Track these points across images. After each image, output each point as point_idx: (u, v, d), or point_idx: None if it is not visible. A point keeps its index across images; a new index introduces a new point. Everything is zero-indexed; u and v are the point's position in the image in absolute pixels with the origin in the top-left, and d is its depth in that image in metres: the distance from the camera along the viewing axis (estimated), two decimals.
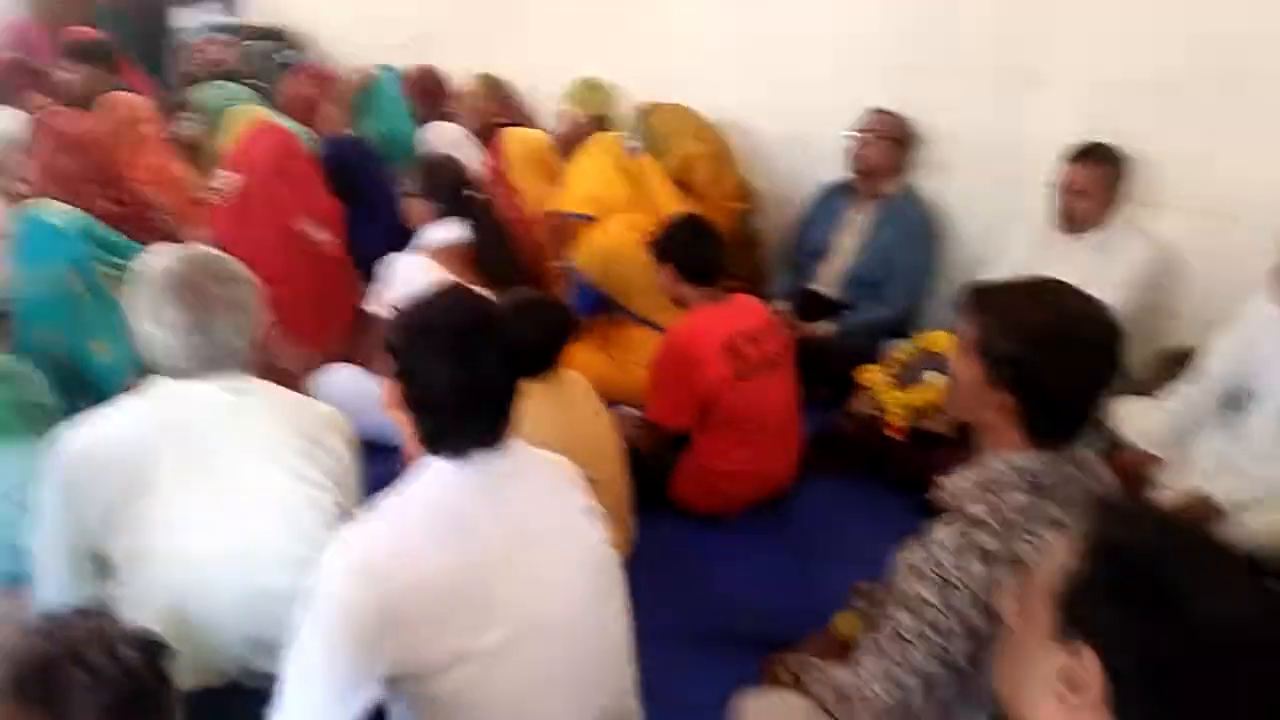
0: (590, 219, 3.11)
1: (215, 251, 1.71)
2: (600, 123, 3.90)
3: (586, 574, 1.49)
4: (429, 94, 4.55)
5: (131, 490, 1.56)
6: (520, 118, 4.35)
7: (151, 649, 1.19)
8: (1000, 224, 3.23)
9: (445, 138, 3.90)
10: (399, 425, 1.46)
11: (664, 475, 2.63)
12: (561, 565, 1.46)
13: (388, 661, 1.32)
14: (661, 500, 2.62)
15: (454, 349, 1.38)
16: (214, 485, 1.61)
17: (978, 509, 1.42)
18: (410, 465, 1.47)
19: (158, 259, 1.64)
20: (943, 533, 1.43)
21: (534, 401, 2.07)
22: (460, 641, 1.34)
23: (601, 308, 3.13)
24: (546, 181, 3.50)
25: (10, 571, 1.86)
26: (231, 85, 4.18)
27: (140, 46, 6.22)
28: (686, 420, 2.56)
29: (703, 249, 2.63)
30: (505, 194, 3.45)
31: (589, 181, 3.12)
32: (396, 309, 1.46)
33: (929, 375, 2.75)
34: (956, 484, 1.50)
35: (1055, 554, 0.97)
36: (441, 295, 1.47)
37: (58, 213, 2.46)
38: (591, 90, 3.98)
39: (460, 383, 1.38)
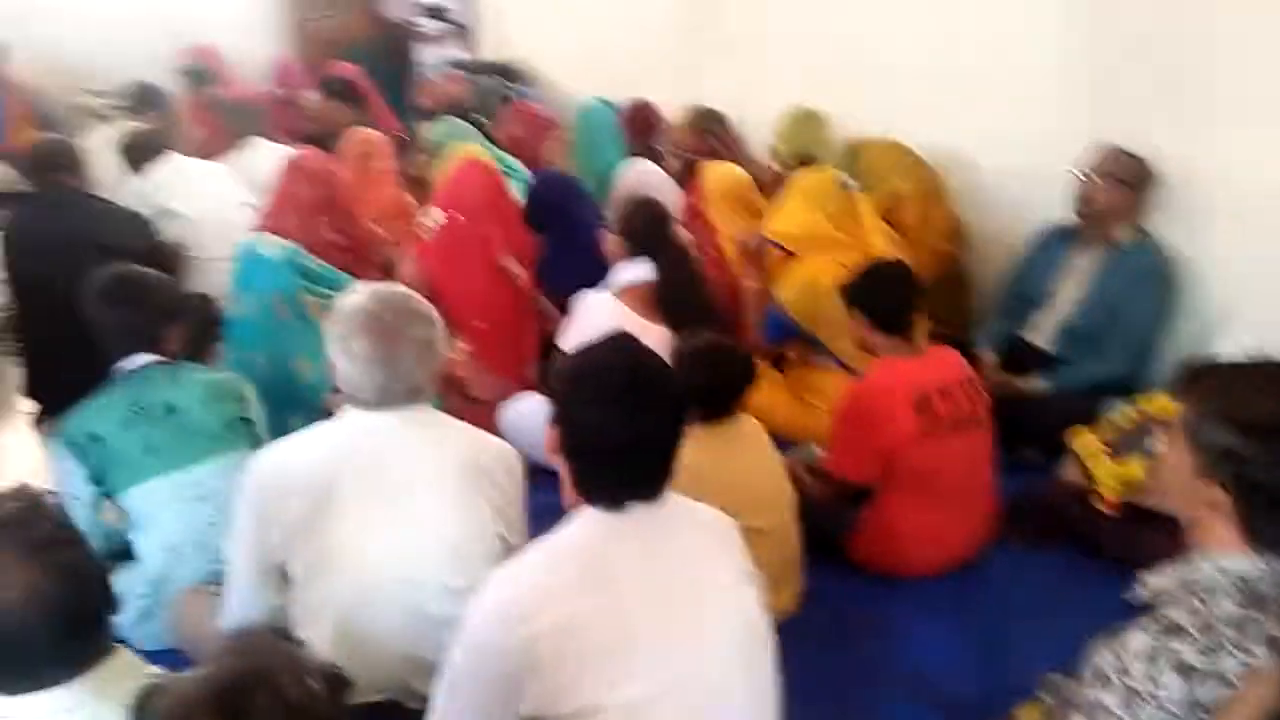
0: (791, 253, 3.06)
1: (406, 291, 1.81)
2: (808, 158, 3.84)
3: (735, 638, 1.44)
4: (641, 128, 4.66)
5: (314, 511, 1.66)
6: (729, 151, 4.36)
7: (335, 682, 1.28)
8: (1253, 285, 2.84)
9: (640, 176, 3.95)
10: (559, 471, 1.48)
11: (841, 530, 2.52)
12: (709, 626, 1.42)
13: (529, 702, 1.33)
14: (837, 556, 2.51)
15: (614, 400, 1.39)
16: (388, 512, 1.69)
17: (1179, 614, 1.26)
18: (571, 508, 1.49)
19: (354, 295, 1.76)
20: (1136, 637, 1.28)
21: (703, 447, 2.06)
22: (597, 692, 1.33)
23: (791, 338, 3.06)
24: (744, 219, 3.47)
25: (213, 571, 2.05)
26: (457, 120, 4.40)
27: (388, 81, 6.78)
28: (868, 475, 2.44)
29: (895, 297, 2.52)
30: (702, 230, 3.46)
31: (798, 215, 3.07)
32: (564, 354, 1.50)
33: (1151, 444, 2.48)
34: (1158, 582, 1.35)
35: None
36: (608, 344, 1.49)
37: (270, 245, 2.70)
38: (800, 124, 3.93)
39: (618, 435, 1.38)
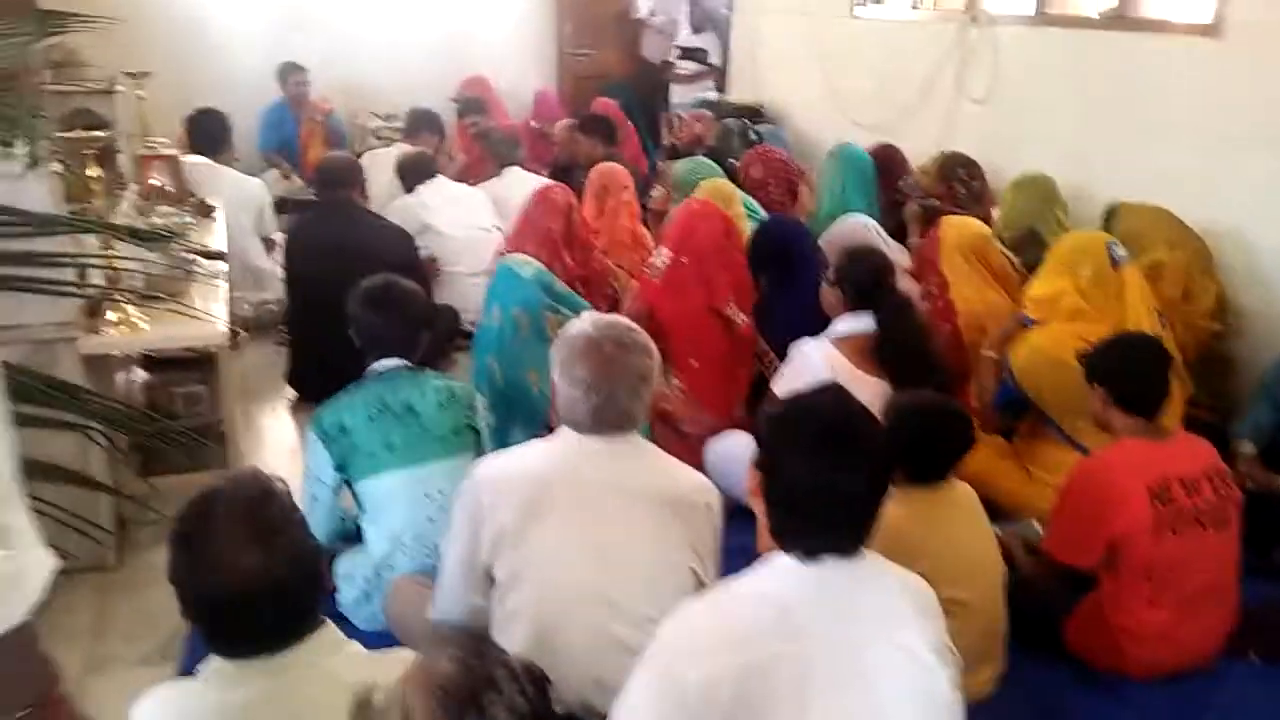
0: (1034, 321, 2.91)
1: (627, 323, 1.90)
2: (1030, 232, 3.65)
3: (919, 713, 1.38)
4: (886, 173, 4.59)
5: (523, 521, 1.76)
6: (976, 201, 4.21)
7: (543, 686, 1.37)
8: None
9: (852, 226, 3.88)
10: (757, 513, 1.48)
11: (1055, 614, 2.35)
12: (891, 697, 1.36)
13: None
14: (1047, 641, 2.34)
15: (817, 451, 1.38)
16: (590, 533, 1.76)
17: None
18: (762, 550, 1.48)
19: (579, 323, 1.87)
20: None
21: (909, 509, 2.00)
22: None
23: (1022, 409, 2.90)
24: (978, 274, 3.34)
25: (428, 565, 2.20)
26: (703, 160, 4.46)
27: (642, 118, 7.08)
28: (1088, 560, 2.26)
29: (1143, 375, 2.32)
30: (934, 282, 3.36)
31: (1047, 279, 2.91)
32: (775, 398, 1.51)
33: None
34: None
35: None
36: (817, 394, 1.48)
37: (524, 263, 2.88)
38: (1023, 192, 3.75)
39: (817, 485, 1.37)
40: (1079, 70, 4.02)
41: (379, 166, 4.91)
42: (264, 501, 1.31)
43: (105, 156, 2.92)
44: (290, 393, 3.94)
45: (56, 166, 2.45)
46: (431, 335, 3.72)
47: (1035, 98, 4.25)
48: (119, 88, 3.77)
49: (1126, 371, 2.33)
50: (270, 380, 4.07)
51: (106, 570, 2.72)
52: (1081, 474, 2.33)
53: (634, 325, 1.89)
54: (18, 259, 2.31)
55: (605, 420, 1.79)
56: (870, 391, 2.64)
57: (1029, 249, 3.51)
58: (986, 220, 3.74)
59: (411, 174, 4.38)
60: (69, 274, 2.52)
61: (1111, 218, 3.49)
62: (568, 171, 5.13)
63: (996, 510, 2.77)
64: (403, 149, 5.03)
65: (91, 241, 2.71)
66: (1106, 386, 2.35)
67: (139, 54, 4.58)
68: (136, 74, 3.96)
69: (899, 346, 2.70)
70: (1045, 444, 2.96)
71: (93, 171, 2.62)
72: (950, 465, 2.16)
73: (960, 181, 4.30)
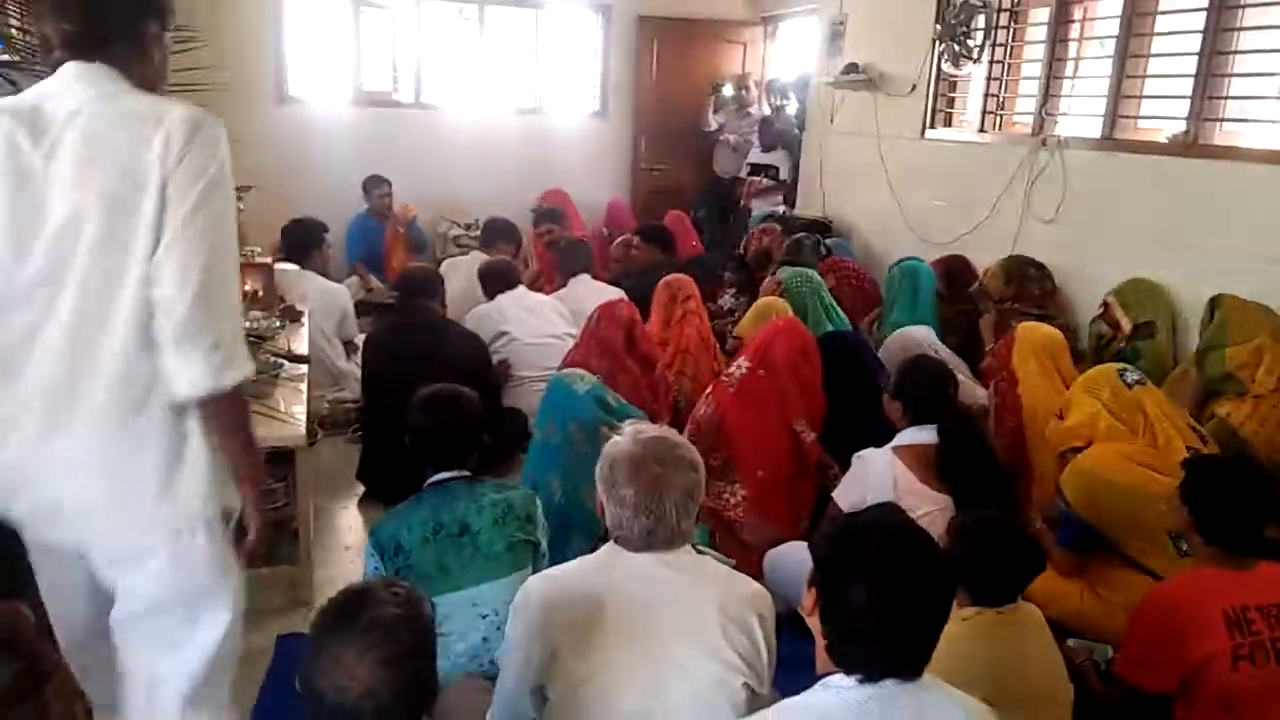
0: (1080, 449, 2.88)
1: (672, 437, 1.88)
2: (1148, 328, 3.64)
3: None
4: (955, 283, 4.63)
5: (575, 641, 1.75)
6: (1045, 301, 4.21)
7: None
8: None
9: (906, 338, 3.90)
10: (814, 631, 1.48)
11: None
12: None
13: None
14: None
15: (875, 572, 1.38)
16: (640, 652, 1.74)
17: None
18: (822, 672, 1.48)
19: (622, 441, 1.85)
20: None
21: (973, 632, 1.97)
22: None
23: (1089, 544, 2.83)
24: (1048, 376, 3.34)
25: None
26: (804, 271, 4.51)
27: (714, 230, 7.28)
28: (1163, 685, 2.17)
29: (1234, 511, 2.23)
30: (1003, 377, 3.37)
31: (1085, 408, 2.90)
32: (836, 510, 1.51)
33: None
34: None
35: None
36: (875, 515, 1.49)
37: (579, 378, 2.95)
38: (1136, 294, 3.74)
39: (877, 610, 1.37)
40: (1149, 193, 4.03)
41: (457, 273, 5.13)
42: (400, 627, 1.35)
43: None
44: (360, 488, 4.04)
45: None
46: (499, 438, 3.82)
47: (1104, 219, 4.27)
48: None
49: (1218, 503, 2.25)
50: (342, 475, 4.18)
51: None
52: (1156, 599, 2.25)
53: (679, 439, 1.88)
54: None
55: (657, 540, 1.78)
56: (932, 504, 2.64)
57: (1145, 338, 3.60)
58: (1063, 327, 3.75)
59: (493, 281, 4.54)
60: None
61: (1216, 306, 3.45)
62: (626, 275, 5.30)
63: (1065, 631, 2.70)
64: (479, 257, 5.24)
65: None
66: (1195, 513, 2.29)
67: (243, 169, 4.91)
68: (240, 188, 4.24)
69: (961, 459, 2.68)
70: (1111, 566, 2.87)
71: None
72: (1018, 588, 2.12)
73: (1031, 280, 4.33)
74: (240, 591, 1.75)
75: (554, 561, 2.10)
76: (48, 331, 1.55)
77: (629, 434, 1.86)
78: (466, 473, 2.39)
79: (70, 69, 1.57)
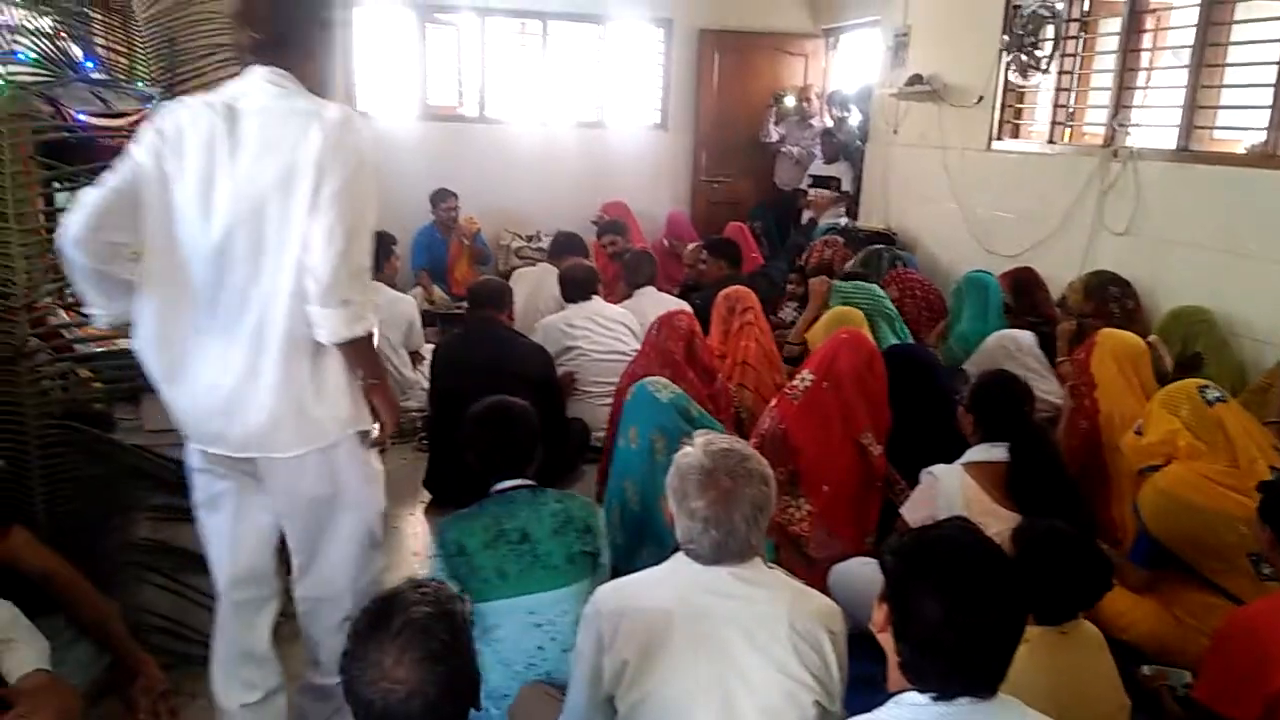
0: (1158, 468, 2.82)
1: (742, 449, 1.86)
2: (1194, 360, 3.56)
3: None
4: (1024, 295, 4.56)
5: (641, 658, 1.76)
6: (1127, 320, 4.12)
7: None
8: None
9: (997, 345, 3.83)
10: (885, 648, 1.47)
11: None
12: None
13: None
14: None
15: (949, 587, 1.37)
16: (710, 670, 1.74)
17: None
18: (895, 690, 1.47)
19: (693, 452, 1.84)
20: None
21: (1035, 651, 1.93)
22: None
23: (1163, 562, 2.76)
24: (1127, 383, 3.29)
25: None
26: (865, 285, 4.50)
27: (775, 242, 7.27)
28: (1244, 715, 2.11)
29: None
30: (1082, 380, 3.33)
31: (1163, 425, 2.83)
32: (905, 526, 1.50)
33: None
34: None
35: None
36: (948, 529, 1.48)
37: (662, 386, 2.94)
38: (1178, 326, 3.65)
39: (951, 622, 1.35)
40: (1225, 206, 3.93)
41: (523, 284, 5.20)
42: (435, 625, 1.37)
43: None
44: (426, 496, 4.11)
45: None
46: (562, 450, 3.84)
47: (1178, 232, 4.17)
48: None
49: None
50: (409, 484, 4.26)
51: None
52: (1239, 623, 2.19)
53: (750, 451, 1.86)
54: None
55: (727, 553, 1.77)
56: (1003, 523, 2.58)
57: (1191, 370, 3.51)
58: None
59: (573, 288, 4.58)
60: None
61: None
62: (699, 292, 5.31)
63: (1140, 655, 2.64)
64: (547, 269, 5.29)
65: None
66: (1277, 530, 2.24)
67: None
68: None
69: (1034, 479, 2.64)
70: (1189, 588, 2.80)
71: None
72: (1082, 606, 2.08)
73: (1114, 300, 4.24)
74: (380, 488, 2.21)
75: (625, 570, 2.11)
76: (231, 284, 1.91)
77: (699, 445, 1.85)
78: (530, 482, 2.43)
79: (256, 71, 1.94)
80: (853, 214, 7.10)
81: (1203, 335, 3.71)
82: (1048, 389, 3.81)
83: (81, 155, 2.74)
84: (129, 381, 2.63)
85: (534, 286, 5.14)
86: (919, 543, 1.46)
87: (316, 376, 1.96)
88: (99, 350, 2.75)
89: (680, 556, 1.85)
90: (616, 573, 2.25)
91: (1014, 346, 3.70)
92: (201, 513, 2.14)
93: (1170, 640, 2.71)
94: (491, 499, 2.40)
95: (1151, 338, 3.71)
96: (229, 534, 2.12)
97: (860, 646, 1.89)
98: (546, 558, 2.29)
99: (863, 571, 2.81)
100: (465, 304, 6.47)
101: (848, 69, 7.99)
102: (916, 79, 6.05)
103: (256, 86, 1.92)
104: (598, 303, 4.66)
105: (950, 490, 2.64)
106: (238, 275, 1.90)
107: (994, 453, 2.73)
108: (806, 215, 7.23)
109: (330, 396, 1.99)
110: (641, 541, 2.72)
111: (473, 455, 2.45)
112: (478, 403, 2.54)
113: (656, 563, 2.04)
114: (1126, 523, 3.09)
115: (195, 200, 1.88)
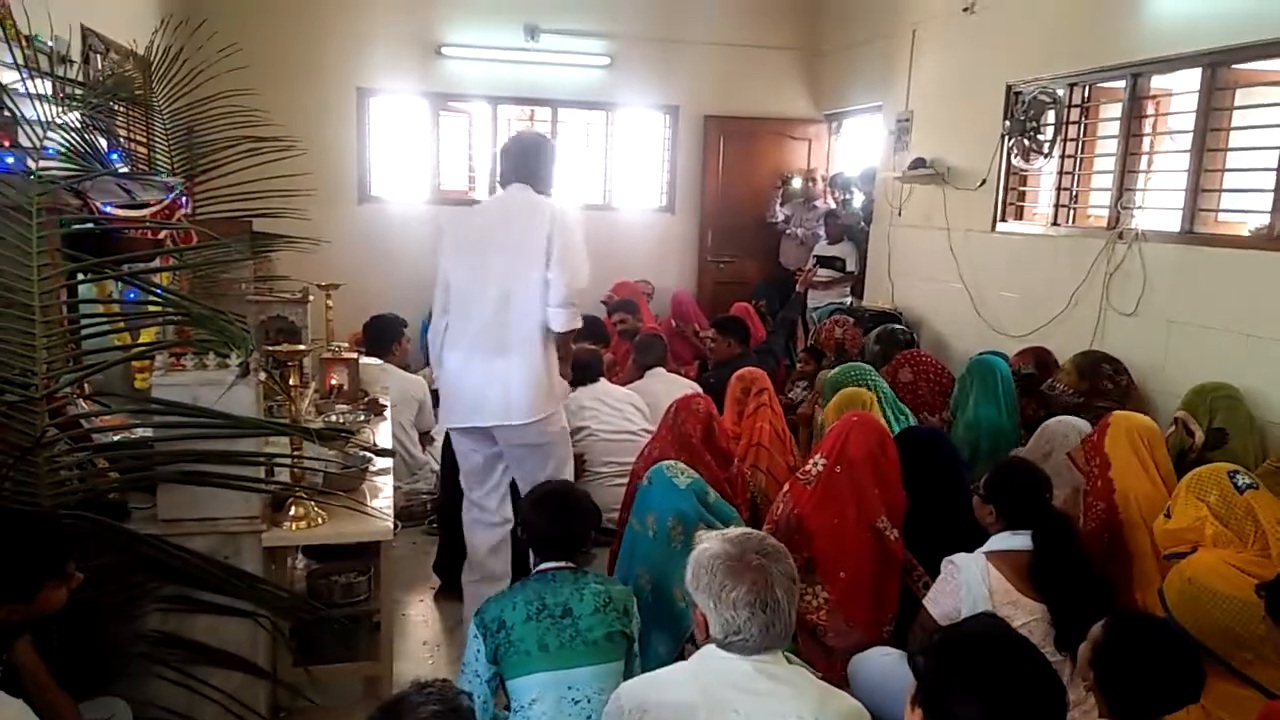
0: (1184, 555, 2.78)
1: (757, 532, 1.90)
2: (1219, 435, 3.54)
3: None
4: (1043, 369, 4.56)
5: None
6: (1122, 399, 4.12)
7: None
8: None
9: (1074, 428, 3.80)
10: None
11: None
12: None
13: None
14: None
15: (986, 688, 1.35)
16: None
17: None
18: None
19: (710, 544, 1.86)
20: None
21: None
22: None
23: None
24: (1141, 463, 3.26)
25: None
26: (860, 365, 4.47)
27: (781, 321, 7.30)
28: None
29: None
30: (1095, 462, 3.30)
31: (1189, 511, 2.80)
32: (929, 618, 1.47)
33: None
34: None
35: None
36: (981, 629, 1.46)
37: (680, 471, 2.94)
38: (1203, 401, 3.64)
39: None
40: (1232, 287, 3.96)
41: None
42: (449, 717, 1.37)
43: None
44: (436, 581, 4.06)
45: (262, 375, 2.72)
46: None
47: (1186, 313, 4.20)
48: (311, 297, 4.19)
49: None
50: (418, 568, 4.22)
51: None
52: (1270, 717, 2.14)
53: (762, 533, 1.90)
54: (221, 458, 2.55)
55: (774, 636, 1.77)
56: (1028, 615, 2.55)
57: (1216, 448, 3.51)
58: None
59: (578, 371, 4.58)
60: (260, 471, 2.75)
61: None
62: (709, 371, 5.34)
63: None
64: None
65: (280, 440, 2.95)
66: None
67: (330, 267, 5.12)
68: (327, 285, 4.42)
69: (1059, 567, 2.60)
70: (1218, 679, 2.72)
71: (293, 380, 2.90)
72: (1168, 708, 1.95)
73: (1107, 378, 4.24)
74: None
75: (647, 655, 2.09)
76: (490, 302, 3.27)
77: (715, 537, 1.88)
78: (571, 564, 2.47)
79: (513, 187, 3.40)
80: (858, 293, 7.16)
81: (1222, 410, 3.69)
82: None
83: (105, 246, 2.78)
84: (146, 471, 2.63)
85: None
86: (950, 642, 1.44)
87: (548, 375, 3.35)
88: (117, 439, 2.76)
89: (706, 650, 1.84)
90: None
91: (1074, 434, 3.67)
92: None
93: None
94: (534, 577, 2.45)
95: (1179, 413, 3.70)
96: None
97: None
98: (588, 633, 2.31)
99: (883, 662, 2.76)
100: None
101: (850, 152, 8.15)
102: (919, 162, 6.16)
103: (510, 193, 3.39)
104: (604, 384, 4.68)
105: (973, 580, 2.60)
106: (501, 299, 3.25)
107: (1015, 541, 2.69)
108: (804, 290, 7.27)
109: (548, 389, 3.35)
110: (657, 629, 2.68)
111: (527, 536, 2.54)
112: (537, 486, 2.72)
113: (669, 650, 2.02)
114: (1150, 606, 3.04)
115: (479, 267, 3.28)
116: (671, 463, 3.00)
